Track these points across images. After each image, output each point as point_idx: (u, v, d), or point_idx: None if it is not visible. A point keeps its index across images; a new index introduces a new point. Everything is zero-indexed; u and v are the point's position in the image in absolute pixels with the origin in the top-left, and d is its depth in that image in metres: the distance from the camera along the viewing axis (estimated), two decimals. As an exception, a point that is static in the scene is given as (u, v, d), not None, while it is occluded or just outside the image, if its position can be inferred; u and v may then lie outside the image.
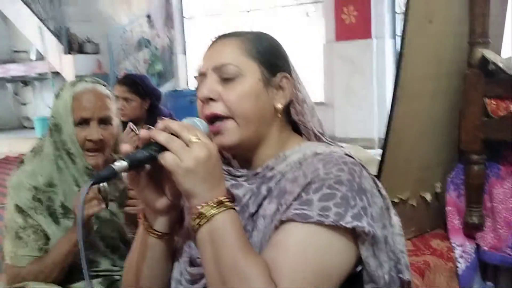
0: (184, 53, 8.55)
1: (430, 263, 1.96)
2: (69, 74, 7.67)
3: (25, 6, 7.99)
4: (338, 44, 6.68)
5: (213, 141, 0.91)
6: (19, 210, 1.54)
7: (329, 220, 0.83)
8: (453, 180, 2.11)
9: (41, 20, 7.88)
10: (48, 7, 7.89)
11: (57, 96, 1.60)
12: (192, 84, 8.19)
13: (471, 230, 2.05)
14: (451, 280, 2.02)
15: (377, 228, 0.87)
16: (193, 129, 0.87)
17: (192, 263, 0.98)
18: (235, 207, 0.89)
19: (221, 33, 1.04)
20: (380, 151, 2.00)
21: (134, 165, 0.86)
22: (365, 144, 6.16)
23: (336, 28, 6.68)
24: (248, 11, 8.02)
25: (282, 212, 0.88)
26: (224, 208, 0.85)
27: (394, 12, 6.56)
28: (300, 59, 6.47)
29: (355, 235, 0.86)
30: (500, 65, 1.89)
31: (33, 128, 8.39)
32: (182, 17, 8.48)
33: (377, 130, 6.44)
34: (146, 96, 3.00)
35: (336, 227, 0.84)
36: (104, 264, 1.61)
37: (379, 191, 0.94)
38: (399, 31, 6.07)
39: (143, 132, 0.87)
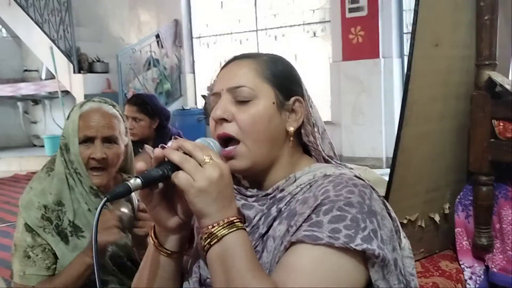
0: (193, 72, 8.61)
1: (439, 284, 1.95)
2: (78, 93, 7.74)
3: (36, 26, 8.11)
4: (345, 63, 6.71)
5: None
6: (28, 228, 1.56)
7: (339, 242, 0.84)
8: (462, 201, 2.10)
9: (52, 40, 7.99)
10: (59, 28, 8.01)
11: (67, 117, 1.63)
12: (200, 103, 8.24)
13: (480, 252, 2.03)
14: (460, 303, 2.00)
15: (387, 251, 0.87)
16: (206, 149, 0.87)
17: (202, 283, 0.99)
18: (246, 228, 0.89)
19: (236, 54, 1.05)
20: (388, 171, 2.00)
21: (148, 183, 0.86)
22: (373, 163, 6.16)
23: (343, 48, 6.72)
24: (256, 31, 8.09)
25: (292, 233, 0.88)
26: (235, 229, 0.85)
27: (401, 32, 6.60)
28: (307, 79, 6.50)
29: (365, 257, 0.86)
30: (507, 87, 1.89)
31: (42, 146, 8.43)
32: (191, 36, 8.57)
33: (385, 150, 6.43)
34: (155, 116, 3.03)
35: (346, 249, 0.84)
36: (113, 283, 1.61)
37: (389, 213, 0.94)
38: (406, 51, 6.09)
39: (157, 151, 0.88)
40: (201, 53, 8.62)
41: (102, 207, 0.83)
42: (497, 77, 1.91)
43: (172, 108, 7.60)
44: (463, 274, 2.02)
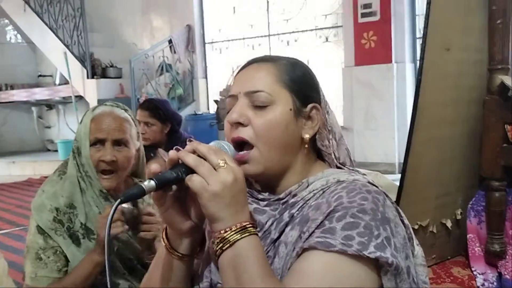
0: (205, 77, 8.64)
1: (451, 291, 1.93)
2: (92, 98, 7.80)
3: (51, 32, 8.20)
4: (357, 68, 6.69)
5: None
6: (40, 231, 1.57)
7: (352, 249, 0.83)
8: (474, 207, 2.09)
9: (66, 45, 8.07)
10: (73, 33, 8.10)
11: (81, 121, 1.65)
12: (213, 108, 8.26)
13: (492, 258, 2.02)
14: (473, 309, 1.98)
15: (400, 259, 0.86)
16: (220, 153, 0.87)
17: None
18: (258, 233, 0.89)
19: (250, 58, 1.04)
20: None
21: (162, 185, 0.86)
22: (385, 169, 6.12)
23: (356, 53, 6.70)
24: (268, 36, 8.10)
25: (304, 240, 0.87)
26: (248, 234, 0.85)
27: (414, 37, 6.56)
28: (320, 83, 6.48)
29: (377, 265, 0.85)
30: (520, 91, 1.88)
31: (56, 151, 8.51)
32: (204, 42, 8.61)
33: (397, 155, 6.39)
34: (167, 121, 3.05)
35: (358, 257, 0.83)
36: (123, 286, 1.62)
37: (402, 220, 0.93)
38: (419, 56, 6.06)
39: (172, 153, 0.88)
40: (214, 58, 8.65)
41: (115, 209, 0.83)
42: (509, 81, 1.90)
43: (184, 113, 7.62)
44: (475, 281, 2.00)
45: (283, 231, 0.95)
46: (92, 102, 7.61)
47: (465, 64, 1.97)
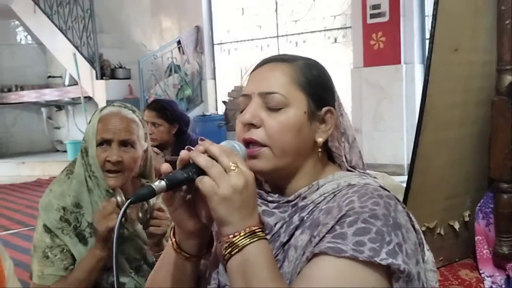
0: (214, 78, 8.65)
1: (458, 294, 1.92)
2: (101, 99, 7.85)
3: (60, 33, 8.26)
4: (366, 69, 6.67)
5: (247, 163, 0.90)
6: (47, 230, 1.59)
7: (363, 255, 0.81)
8: (482, 209, 2.07)
9: (75, 46, 8.13)
10: (82, 34, 8.15)
11: (89, 121, 1.66)
12: (221, 109, 8.27)
13: (501, 261, 2.00)
14: (481, 312, 1.96)
15: (412, 265, 0.85)
16: (232, 155, 0.86)
17: None
18: (267, 237, 0.88)
19: (259, 59, 1.02)
20: (408, 178, 1.99)
21: (172, 186, 0.85)
22: (394, 170, 6.09)
23: (364, 54, 6.68)
24: (277, 37, 8.10)
25: (315, 244, 0.86)
26: (257, 239, 0.84)
27: (423, 38, 6.53)
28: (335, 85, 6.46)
29: (389, 272, 0.83)
30: (529, 92, 1.87)
31: (65, 151, 8.57)
32: (212, 43, 8.62)
33: (406, 156, 6.36)
34: (174, 121, 3.05)
35: (370, 263, 0.82)
36: (129, 285, 1.63)
37: (413, 225, 0.92)
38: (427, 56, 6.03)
39: (183, 153, 0.87)
40: (222, 60, 8.66)
41: (125, 209, 0.83)
42: (518, 82, 1.88)
43: (193, 114, 7.64)
44: (483, 284, 1.99)
45: (293, 234, 0.94)
46: (101, 103, 7.65)
47: (474, 65, 1.95)
